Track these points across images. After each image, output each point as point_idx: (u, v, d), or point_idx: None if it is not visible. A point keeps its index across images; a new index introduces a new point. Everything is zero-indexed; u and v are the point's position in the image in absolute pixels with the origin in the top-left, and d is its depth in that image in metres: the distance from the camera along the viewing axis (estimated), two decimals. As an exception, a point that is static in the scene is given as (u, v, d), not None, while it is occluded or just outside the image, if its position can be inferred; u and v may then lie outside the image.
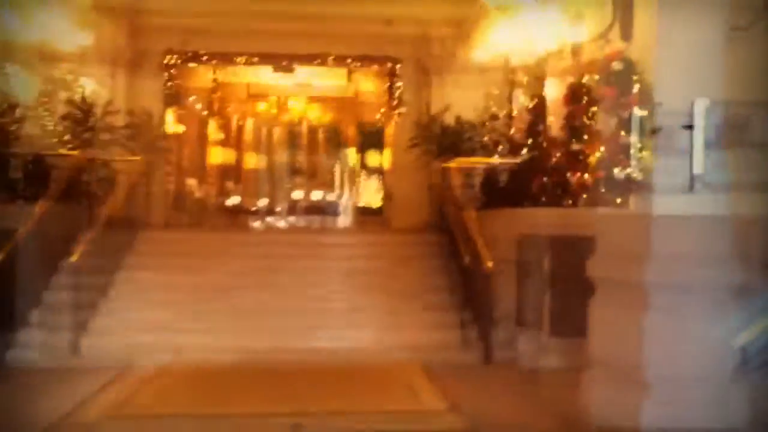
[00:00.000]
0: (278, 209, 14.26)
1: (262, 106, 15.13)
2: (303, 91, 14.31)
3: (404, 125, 11.14)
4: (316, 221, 13.72)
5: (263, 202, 14.61)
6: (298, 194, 14.92)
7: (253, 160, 15.06)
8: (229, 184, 14.62)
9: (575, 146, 5.71)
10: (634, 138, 4.84)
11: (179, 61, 11.49)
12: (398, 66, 11.47)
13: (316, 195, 15.01)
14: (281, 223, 13.55)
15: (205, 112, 13.84)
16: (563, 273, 6.38)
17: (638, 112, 4.82)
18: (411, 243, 9.56)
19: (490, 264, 7.23)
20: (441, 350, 7.29)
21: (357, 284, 8.52)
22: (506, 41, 7.69)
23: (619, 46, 5.08)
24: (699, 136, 4.51)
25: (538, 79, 7.40)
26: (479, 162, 8.75)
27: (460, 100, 10.15)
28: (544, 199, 7.12)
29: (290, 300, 8.06)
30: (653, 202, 4.74)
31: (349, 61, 11.91)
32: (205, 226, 12.06)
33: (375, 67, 12.06)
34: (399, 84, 11.38)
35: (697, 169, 4.52)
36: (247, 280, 8.36)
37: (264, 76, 13.33)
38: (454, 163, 9.02)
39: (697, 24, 4.70)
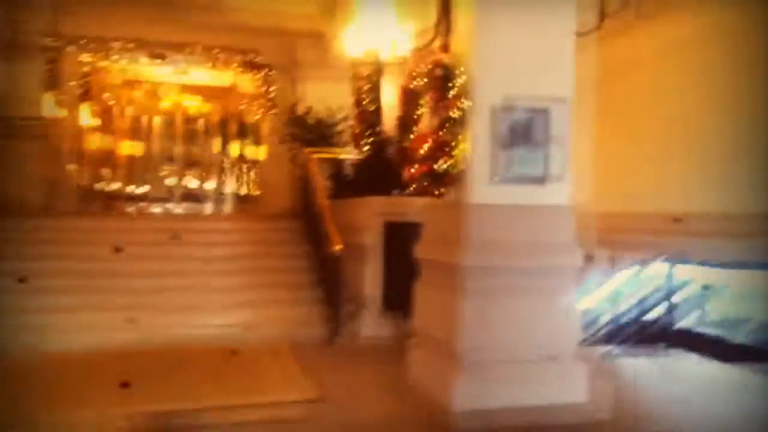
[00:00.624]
0: (157, 196, 13.53)
1: (140, 94, 14.20)
2: (180, 81, 13.56)
3: (276, 119, 10.85)
4: (193, 208, 13.13)
5: (142, 189, 13.82)
6: (176, 182, 14.21)
7: (132, 147, 14.13)
8: (108, 171, 13.68)
9: (405, 142, 5.72)
10: (450, 136, 4.86)
11: (57, 45, 10.56)
12: (268, 64, 11.09)
13: (195, 183, 14.38)
14: (158, 210, 12.86)
15: (84, 98, 12.80)
16: (398, 255, 6.41)
17: (455, 113, 4.85)
18: (279, 229, 9.28)
19: (338, 248, 7.14)
20: (298, 326, 7.15)
21: (225, 268, 8.17)
22: (356, 46, 7.61)
23: (440, 55, 5.11)
24: (501, 134, 4.60)
25: (378, 81, 7.39)
26: (332, 154, 8.67)
27: (325, 98, 9.98)
28: (390, 188, 7.13)
29: (155, 284, 7.62)
30: (469, 192, 4.79)
31: (216, 52, 11.41)
32: (82, 213, 11.19)
33: (246, 60, 11.62)
34: (271, 75, 11.03)
35: (498, 163, 4.61)
36: (115, 266, 7.83)
37: (142, 63, 12.46)
38: (314, 156, 8.89)
39: (512, 32, 4.78)
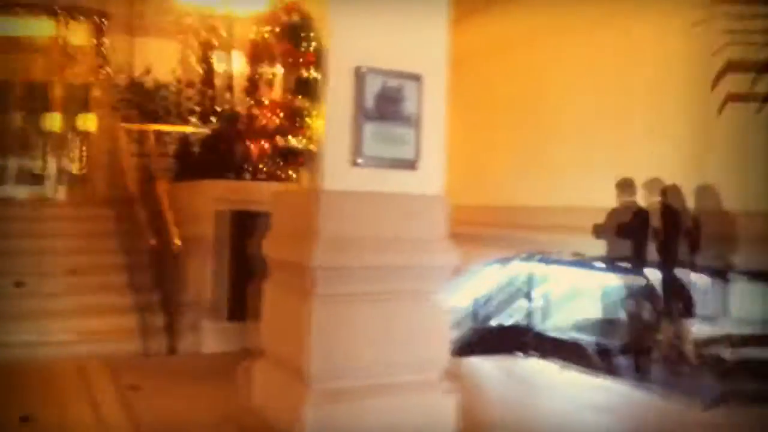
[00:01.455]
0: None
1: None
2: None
3: (108, 82, 9.27)
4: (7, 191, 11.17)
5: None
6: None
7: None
8: None
9: (255, 111, 4.71)
10: (306, 103, 3.92)
11: None
12: (99, 11, 9.39)
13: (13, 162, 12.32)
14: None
15: None
16: (245, 252, 5.39)
17: (313, 73, 3.92)
18: (109, 217, 7.90)
19: (177, 242, 5.99)
20: (123, 340, 5.93)
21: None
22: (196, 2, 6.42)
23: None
24: (363, 106, 3.71)
25: (230, 41, 6.30)
26: (176, 128, 7.42)
27: (170, 60, 8.61)
28: (241, 170, 6.06)
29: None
30: (324, 176, 3.86)
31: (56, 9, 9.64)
32: None
33: (81, 18, 9.89)
34: (104, 25, 9.35)
35: (360, 141, 3.71)
36: None
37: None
38: (153, 129, 7.60)
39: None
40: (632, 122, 8.01)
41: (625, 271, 6.31)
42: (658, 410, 4.80)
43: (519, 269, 6.67)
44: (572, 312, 7.29)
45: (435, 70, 3.91)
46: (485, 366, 5.93)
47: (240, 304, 5.68)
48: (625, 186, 6.52)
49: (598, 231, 6.46)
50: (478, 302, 6.86)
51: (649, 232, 6.27)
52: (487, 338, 6.68)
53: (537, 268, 6.51)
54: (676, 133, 7.42)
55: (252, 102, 4.73)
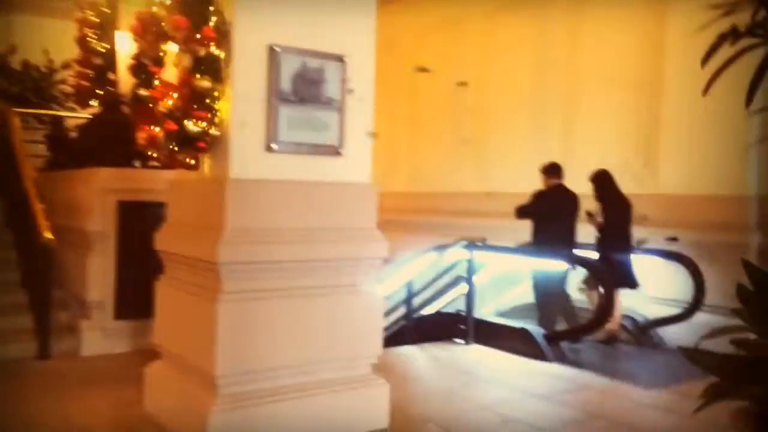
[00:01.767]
0: None
1: None
2: None
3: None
4: None
5: None
6: None
7: None
8: None
9: (143, 92, 4.27)
10: (208, 83, 3.59)
11: None
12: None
13: None
14: None
15: None
16: (139, 246, 4.93)
17: (216, 50, 3.59)
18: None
19: (48, 236, 5.37)
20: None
21: None
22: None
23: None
24: (278, 88, 3.45)
25: (111, 18, 5.76)
26: (48, 112, 6.70)
27: (42, 36, 7.77)
28: (129, 157, 5.56)
29: None
30: (233, 163, 3.56)
31: None
32: None
33: None
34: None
35: (275, 125, 3.45)
36: None
37: None
38: (18, 112, 6.82)
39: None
40: (563, 109, 8.19)
41: (557, 255, 6.32)
42: (604, 394, 4.79)
43: (457, 255, 6.50)
44: (512, 297, 7.36)
45: (360, 51, 3.70)
46: (421, 355, 5.76)
47: (130, 302, 5.19)
48: (551, 169, 6.52)
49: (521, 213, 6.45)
50: (412, 290, 6.67)
51: (576, 215, 6.37)
52: (424, 326, 6.51)
53: (475, 254, 6.34)
54: (602, 122, 7.72)
55: (139, 83, 4.30)
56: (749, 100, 2.23)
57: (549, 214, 6.29)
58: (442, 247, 6.49)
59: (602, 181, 6.37)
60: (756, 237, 6.12)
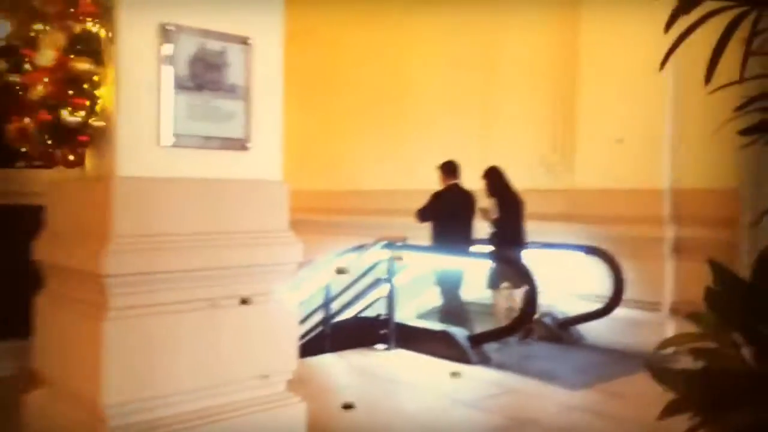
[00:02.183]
0: None
1: None
2: None
3: None
4: None
5: None
6: None
7: None
8: None
9: (13, 78, 3.71)
10: (86, 65, 3.09)
11: None
12: None
13: None
14: None
15: None
16: (10, 257, 4.32)
17: (96, 27, 3.10)
18: None
19: None
20: None
21: None
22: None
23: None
24: (167, 72, 3.01)
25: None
26: None
27: None
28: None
29: None
30: (120, 159, 3.09)
31: None
32: None
33: None
34: None
35: (169, 116, 3.01)
36: None
37: None
38: None
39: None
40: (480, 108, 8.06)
41: (473, 254, 6.29)
42: (531, 398, 4.64)
43: (377, 256, 6.17)
44: (432, 298, 7.08)
45: (267, 34, 3.29)
46: (340, 364, 5.42)
47: (5, 320, 4.57)
48: (447, 169, 6.51)
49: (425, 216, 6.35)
50: (330, 294, 6.27)
51: (474, 213, 6.42)
52: (343, 332, 6.17)
53: (397, 255, 6.06)
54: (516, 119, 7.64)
55: (9, 68, 3.72)
56: (708, 77, 2.02)
57: (447, 214, 6.31)
58: (360, 248, 6.17)
59: (494, 177, 6.42)
60: (671, 230, 6.18)
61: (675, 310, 6.14)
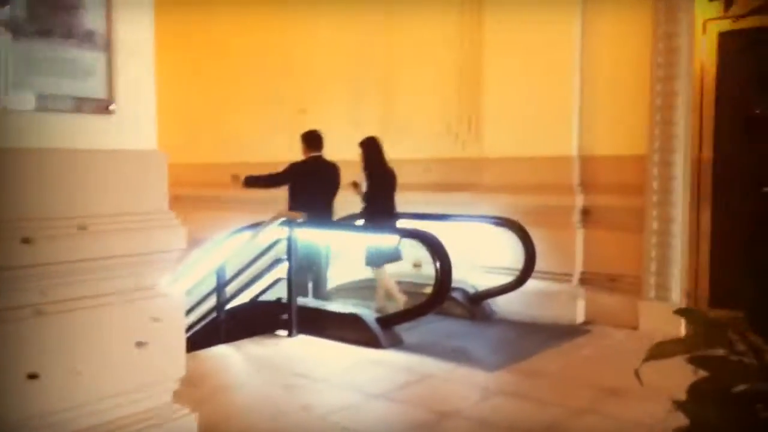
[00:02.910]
0: None
1: None
2: None
3: None
4: None
5: None
6: None
7: None
8: None
9: None
10: None
11: None
12: None
13: None
14: None
15: None
16: None
17: None
18: None
19: None
20: None
21: None
22: None
23: None
24: None
25: None
26: None
27: None
28: None
29: None
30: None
31: None
32: None
33: None
34: None
35: (3, 70, 2.36)
36: None
37: None
38: None
39: None
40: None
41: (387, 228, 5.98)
42: (449, 383, 4.35)
43: (275, 234, 5.60)
44: (338, 278, 6.73)
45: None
46: (237, 356, 4.87)
47: None
48: (309, 140, 6.19)
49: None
50: (224, 277, 5.65)
51: (337, 188, 6.23)
52: (239, 319, 5.63)
53: (297, 232, 5.54)
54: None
55: None
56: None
57: (300, 187, 6.02)
58: (257, 226, 5.62)
59: (369, 149, 6.16)
60: (580, 198, 6.06)
61: (584, 281, 6.07)
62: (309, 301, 5.85)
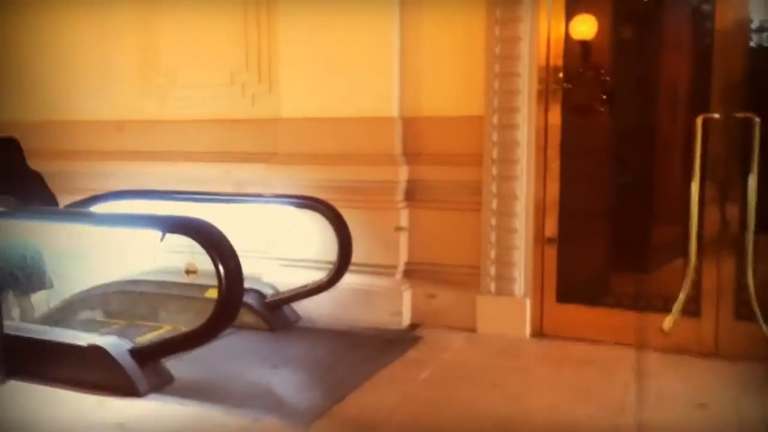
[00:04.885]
0: None
1: None
2: None
3: None
4: None
5: None
6: None
7: None
8: None
9: None
10: None
11: None
12: None
13: None
14: None
15: None
16: None
17: None
18: None
19: None
20: None
21: None
22: None
23: None
24: None
25: None
26: None
27: None
28: None
29: None
30: None
31: None
32: None
33: None
34: None
35: None
36: None
37: None
38: None
39: None
40: None
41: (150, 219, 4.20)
42: None
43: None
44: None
45: None
46: None
47: None
48: None
49: None
50: None
51: None
52: None
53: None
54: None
55: None
56: None
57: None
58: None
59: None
60: (404, 171, 4.88)
61: (410, 273, 4.94)
62: (23, 327, 3.98)
